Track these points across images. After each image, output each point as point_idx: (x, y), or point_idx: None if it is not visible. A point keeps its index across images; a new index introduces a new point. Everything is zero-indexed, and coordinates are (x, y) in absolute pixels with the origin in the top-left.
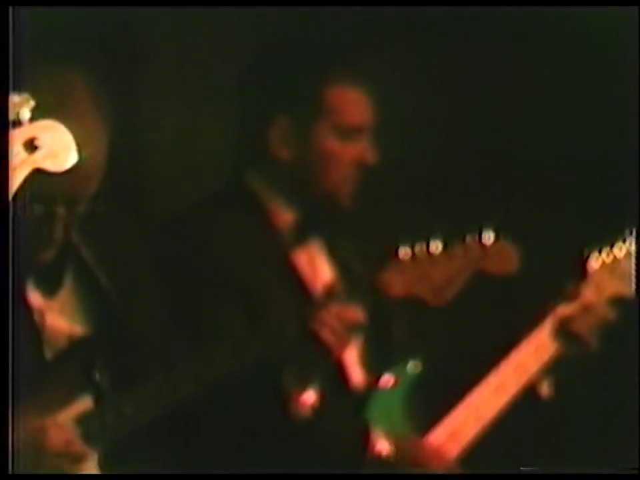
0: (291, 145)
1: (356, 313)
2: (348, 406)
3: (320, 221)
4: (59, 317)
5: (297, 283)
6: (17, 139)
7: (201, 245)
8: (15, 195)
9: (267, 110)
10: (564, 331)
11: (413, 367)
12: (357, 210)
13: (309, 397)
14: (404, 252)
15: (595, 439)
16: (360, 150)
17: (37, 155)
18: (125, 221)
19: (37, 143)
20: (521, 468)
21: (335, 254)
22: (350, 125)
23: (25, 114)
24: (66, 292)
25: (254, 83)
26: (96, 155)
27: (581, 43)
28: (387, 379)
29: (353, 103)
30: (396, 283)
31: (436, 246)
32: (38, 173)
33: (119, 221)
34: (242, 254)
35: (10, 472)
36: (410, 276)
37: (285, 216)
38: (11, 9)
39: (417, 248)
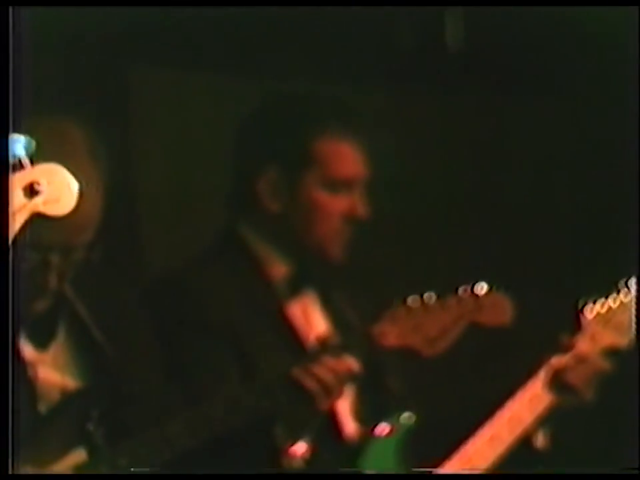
0: (281, 197)
1: (350, 363)
2: (341, 457)
3: (313, 272)
4: (51, 370)
5: (291, 335)
6: (16, 183)
7: (195, 297)
8: (15, 240)
9: (257, 162)
10: (558, 382)
11: (406, 417)
12: (351, 261)
13: (300, 448)
14: (398, 303)
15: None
16: (350, 203)
17: (38, 199)
18: (118, 273)
19: (37, 187)
20: None
21: (329, 305)
22: (340, 177)
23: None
24: (58, 345)
25: (245, 135)
26: (91, 204)
27: (582, 43)
28: (383, 427)
29: (344, 156)
30: (390, 334)
31: (430, 297)
32: (34, 220)
33: (111, 272)
34: (236, 306)
35: (10, 472)
36: (404, 327)
37: (278, 268)
38: (11, 9)
39: (411, 299)
